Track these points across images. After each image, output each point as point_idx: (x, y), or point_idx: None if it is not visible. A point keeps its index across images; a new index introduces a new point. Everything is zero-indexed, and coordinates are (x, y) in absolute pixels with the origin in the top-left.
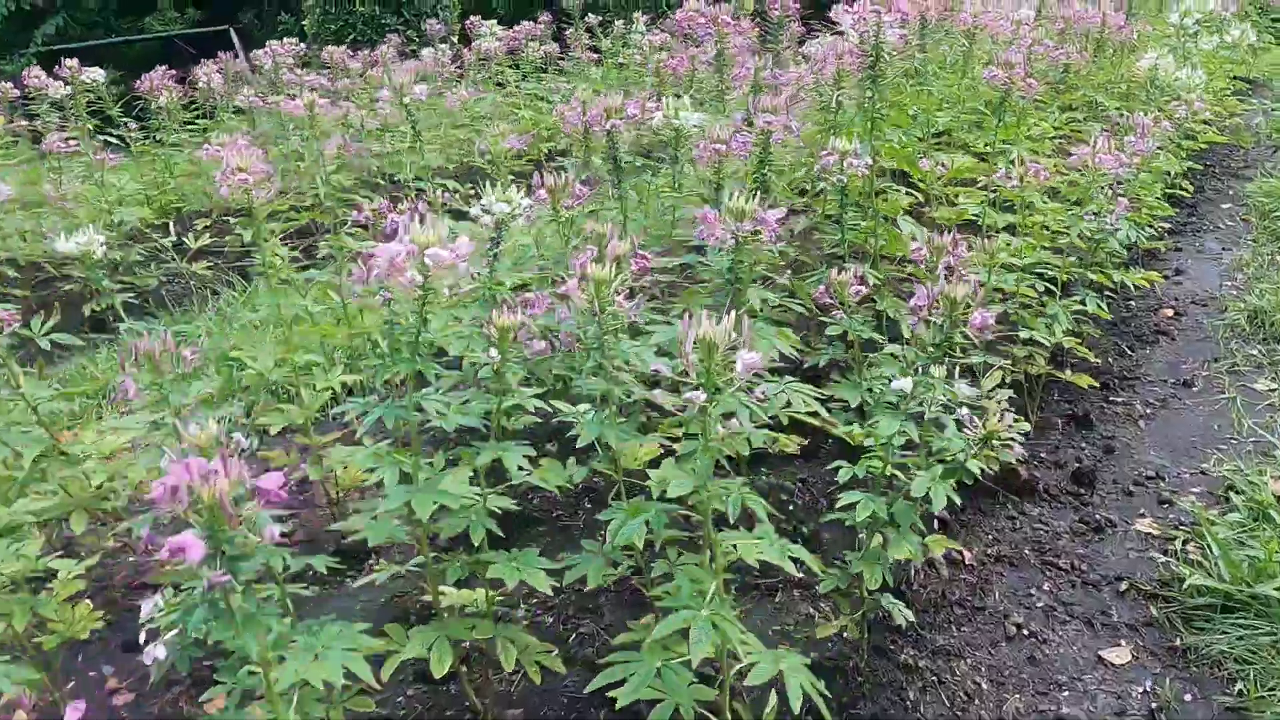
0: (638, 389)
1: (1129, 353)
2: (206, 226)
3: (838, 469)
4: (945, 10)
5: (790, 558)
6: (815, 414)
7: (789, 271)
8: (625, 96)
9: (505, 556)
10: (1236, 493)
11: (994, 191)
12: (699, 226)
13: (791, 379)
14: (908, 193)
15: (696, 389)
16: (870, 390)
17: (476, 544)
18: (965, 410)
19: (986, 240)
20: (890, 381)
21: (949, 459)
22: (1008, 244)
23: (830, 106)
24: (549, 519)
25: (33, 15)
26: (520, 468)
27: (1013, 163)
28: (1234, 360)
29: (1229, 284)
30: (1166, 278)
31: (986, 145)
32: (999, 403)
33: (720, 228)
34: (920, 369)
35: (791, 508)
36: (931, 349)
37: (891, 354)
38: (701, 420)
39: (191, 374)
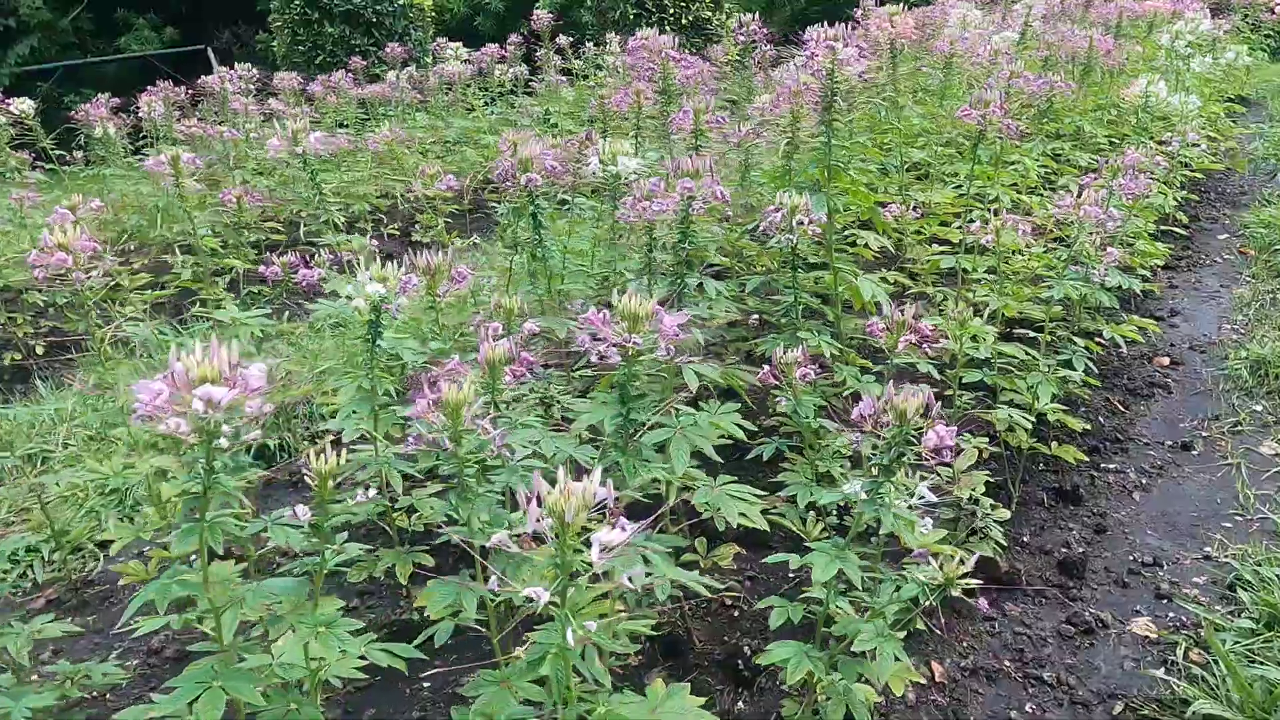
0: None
1: (1122, 409)
2: (144, 265)
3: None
4: (924, 35)
5: None
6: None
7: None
8: (558, 136)
9: None
10: (1244, 587)
11: (970, 235)
12: (581, 331)
13: (728, 478)
14: (878, 237)
15: (548, 574)
16: (824, 479)
17: None
18: (929, 523)
19: (958, 301)
20: (834, 493)
21: (902, 604)
22: (984, 303)
23: (784, 151)
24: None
25: (6, 36)
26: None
27: (987, 213)
28: (1236, 418)
29: (1228, 326)
30: (1162, 320)
31: (960, 186)
32: (973, 489)
33: (611, 334)
34: (872, 473)
35: (737, 614)
36: (880, 470)
37: (838, 461)
38: (556, 626)
39: None
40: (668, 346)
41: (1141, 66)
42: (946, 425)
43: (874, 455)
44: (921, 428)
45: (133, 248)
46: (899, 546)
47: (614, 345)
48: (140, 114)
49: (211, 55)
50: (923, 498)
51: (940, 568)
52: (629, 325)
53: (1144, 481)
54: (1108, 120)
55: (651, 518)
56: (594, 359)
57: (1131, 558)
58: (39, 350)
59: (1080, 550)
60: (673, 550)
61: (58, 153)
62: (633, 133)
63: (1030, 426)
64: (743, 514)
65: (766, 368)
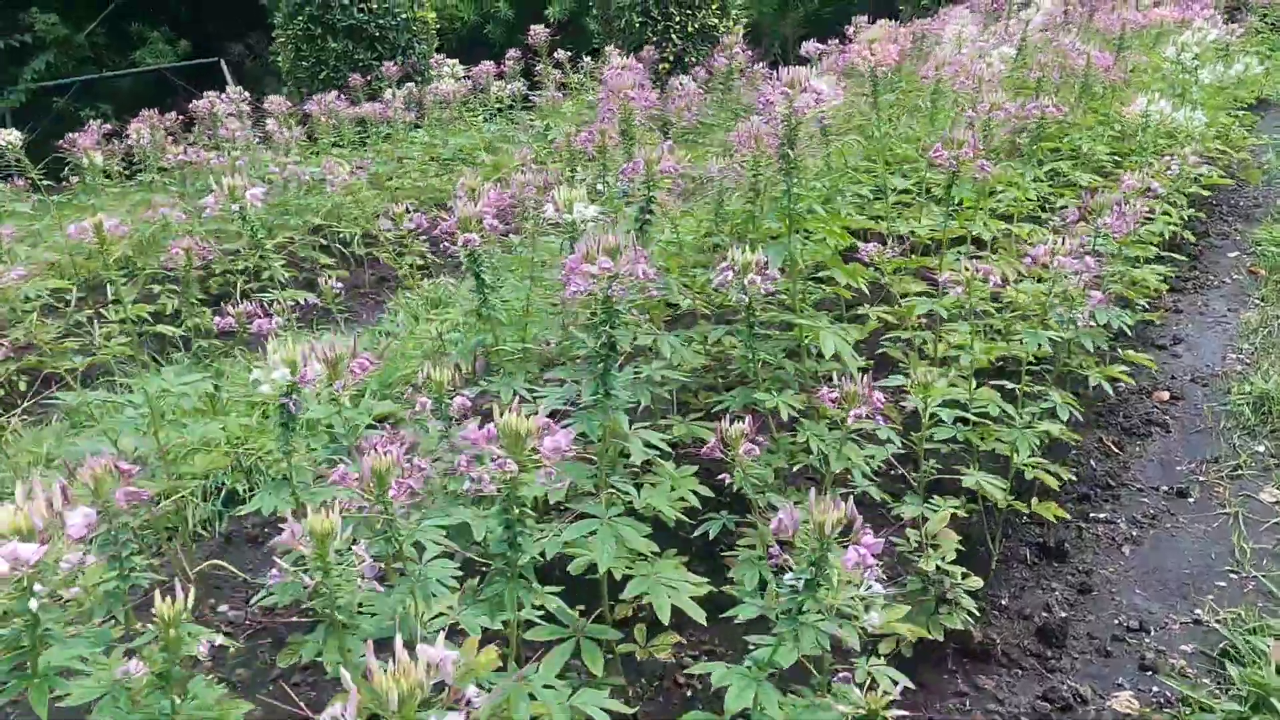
0: None
1: (1115, 450)
2: (133, 299)
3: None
4: (921, 49)
5: None
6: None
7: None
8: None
9: None
10: (1234, 660)
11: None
12: (460, 455)
13: (670, 560)
14: (850, 280)
15: None
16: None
17: None
18: (875, 618)
19: (936, 345)
20: (751, 605)
21: None
22: (963, 346)
23: (746, 197)
24: None
25: (22, 52)
26: None
27: (962, 257)
28: (1237, 461)
29: (1234, 356)
30: (1164, 348)
31: (934, 232)
32: (941, 559)
33: (493, 454)
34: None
35: (690, 693)
36: (804, 585)
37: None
38: None
39: None
40: (546, 474)
41: (1148, 78)
42: (874, 538)
43: (793, 572)
44: (846, 541)
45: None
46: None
47: (491, 471)
48: (130, 141)
49: (225, 68)
50: (870, 587)
51: (865, 693)
52: (509, 445)
53: (1135, 534)
54: (1110, 137)
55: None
56: (466, 487)
57: (1116, 621)
58: (21, 386)
59: (1062, 614)
60: (607, 643)
61: (46, 183)
62: (599, 171)
63: (1001, 493)
64: (679, 603)
65: (713, 440)
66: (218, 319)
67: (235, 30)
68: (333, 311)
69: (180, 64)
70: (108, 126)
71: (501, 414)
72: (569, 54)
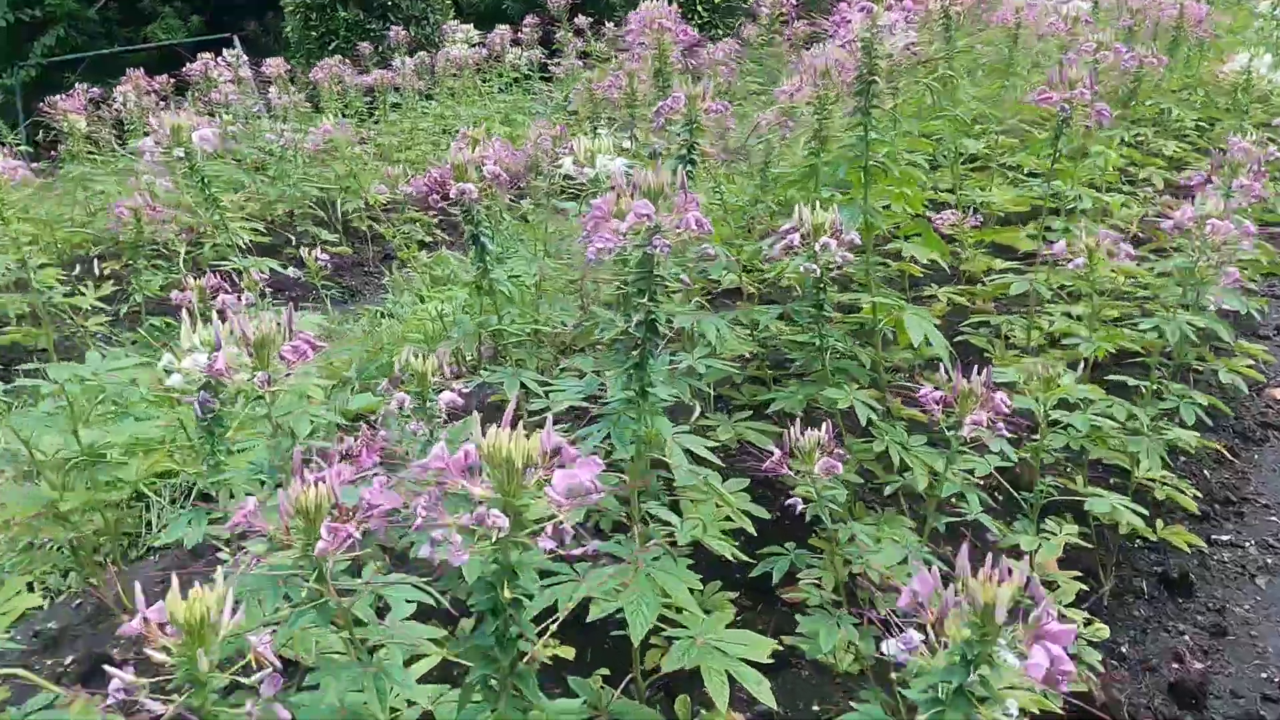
0: None
1: (1231, 458)
2: (109, 274)
3: None
4: (968, 17)
5: None
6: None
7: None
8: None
9: None
10: None
11: (1050, 256)
12: (418, 498)
13: (719, 611)
14: (926, 250)
15: None
16: (846, 606)
17: None
18: (1012, 706)
19: (1028, 330)
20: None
21: None
22: (1063, 334)
23: (809, 148)
24: None
25: (33, 27)
26: None
27: (1071, 226)
28: None
29: None
30: (1268, 339)
31: (1020, 184)
32: (1059, 604)
33: (473, 497)
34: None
35: None
36: (947, 704)
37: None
38: None
39: None
40: (551, 542)
41: (1231, 38)
42: (1063, 624)
43: (925, 685)
44: (1015, 631)
45: (105, 253)
46: None
47: (467, 526)
48: (117, 106)
49: (237, 44)
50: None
51: None
52: (500, 480)
53: (1269, 561)
54: (1198, 101)
55: None
56: (426, 553)
57: (1264, 675)
58: None
59: (1197, 665)
60: None
61: (23, 148)
62: (626, 123)
63: (1140, 520)
64: (738, 674)
65: (777, 453)
66: (175, 294)
67: (249, 7)
68: (317, 288)
69: (193, 40)
70: (95, 90)
71: (504, 420)
72: (590, 19)
